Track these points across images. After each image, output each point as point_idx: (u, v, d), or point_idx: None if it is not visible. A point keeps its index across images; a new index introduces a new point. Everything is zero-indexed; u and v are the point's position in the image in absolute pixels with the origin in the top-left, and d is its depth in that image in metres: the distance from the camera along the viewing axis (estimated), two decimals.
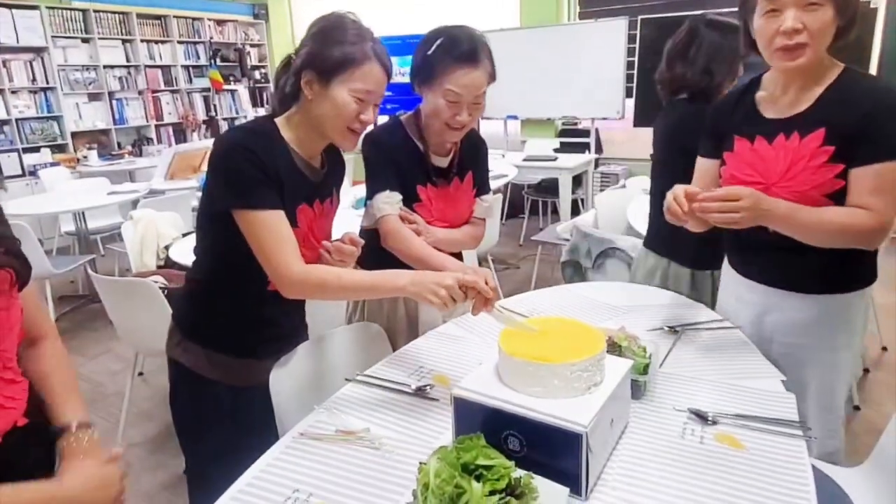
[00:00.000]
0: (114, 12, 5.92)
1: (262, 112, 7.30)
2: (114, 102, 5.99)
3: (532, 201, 5.44)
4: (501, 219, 4.50)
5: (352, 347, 1.49)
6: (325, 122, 1.22)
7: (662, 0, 5.23)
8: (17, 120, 5.29)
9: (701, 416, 1.10)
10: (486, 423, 0.96)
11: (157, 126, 6.37)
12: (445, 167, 1.58)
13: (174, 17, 6.41)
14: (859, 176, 1.20)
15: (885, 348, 2.93)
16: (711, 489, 0.92)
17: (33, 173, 5.24)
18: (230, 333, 1.30)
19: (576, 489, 0.90)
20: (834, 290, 1.33)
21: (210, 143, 5.48)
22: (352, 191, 3.26)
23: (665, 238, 1.85)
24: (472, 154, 1.64)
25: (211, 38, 6.81)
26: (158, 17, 6.34)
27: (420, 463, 0.89)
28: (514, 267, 4.56)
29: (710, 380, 1.24)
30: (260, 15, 7.41)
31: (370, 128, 1.36)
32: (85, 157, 5.54)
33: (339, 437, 1.11)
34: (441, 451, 0.88)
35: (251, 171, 1.14)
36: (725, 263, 1.55)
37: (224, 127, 6.98)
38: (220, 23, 6.97)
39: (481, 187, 1.67)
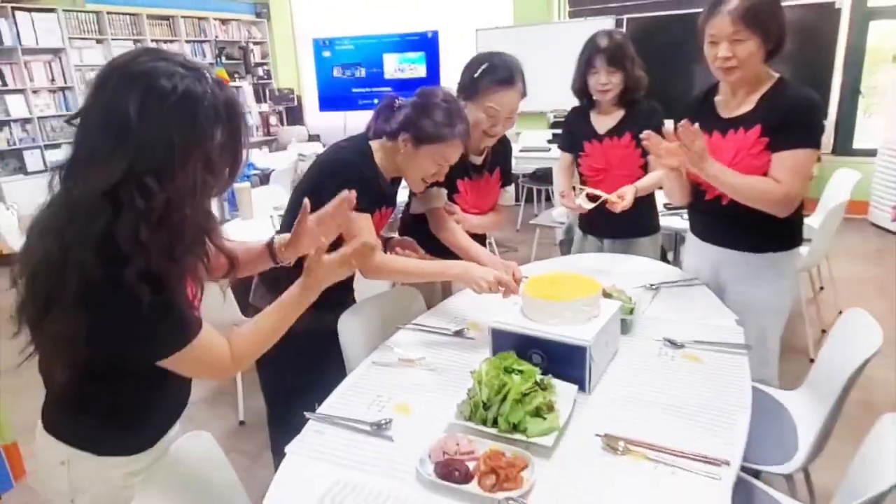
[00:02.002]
0: (125, 13, 6.18)
1: (265, 107, 7.58)
2: None
3: (528, 189, 5.80)
4: None
5: (396, 305, 1.84)
6: (408, 171, 1.60)
7: (647, 0, 5.59)
8: (38, 118, 5.56)
9: (672, 343, 1.48)
10: (516, 346, 1.33)
11: None
12: (480, 164, 1.95)
13: (181, 17, 6.68)
14: (778, 158, 1.61)
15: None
16: (678, 389, 1.30)
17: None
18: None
19: (582, 387, 1.27)
20: (768, 249, 1.73)
21: None
22: None
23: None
24: (502, 153, 2.01)
25: (216, 36, 7.08)
26: (167, 18, 6.60)
27: (471, 371, 1.25)
28: (512, 250, 4.93)
29: (681, 319, 1.62)
30: (262, 14, 7.68)
31: None
32: None
33: (403, 364, 1.47)
34: (487, 360, 1.24)
35: (354, 184, 1.49)
36: (689, 229, 1.94)
37: None
38: (224, 22, 7.24)
39: (505, 180, 2.04)
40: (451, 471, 1.04)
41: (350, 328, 1.64)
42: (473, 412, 1.17)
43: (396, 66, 6.77)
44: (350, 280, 1.80)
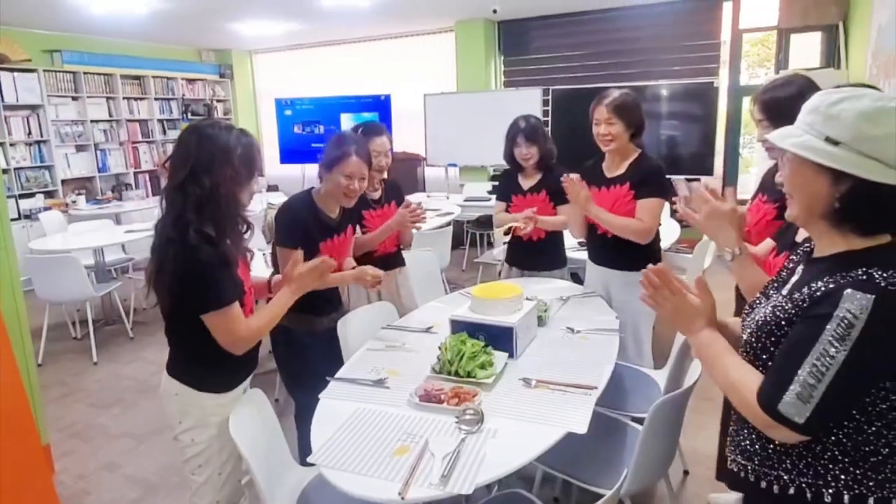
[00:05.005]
0: (100, 73, 6.68)
1: None
2: (98, 153, 6.68)
3: (471, 234, 6.57)
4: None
5: (377, 314, 2.47)
6: (331, 190, 2.22)
7: (568, 75, 6.65)
8: (14, 169, 5.91)
9: (571, 330, 2.19)
10: (468, 330, 1.99)
11: (135, 173, 7.08)
12: (378, 198, 2.72)
13: (151, 76, 7.23)
14: (639, 204, 2.41)
15: None
16: (572, 354, 2.00)
17: (28, 217, 5.86)
18: (310, 302, 2.23)
19: (511, 354, 1.95)
20: (637, 269, 2.43)
21: None
22: None
23: None
24: (394, 190, 2.81)
25: (183, 94, 7.64)
26: (138, 78, 7.14)
27: (439, 346, 1.90)
28: (459, 286, 5.62)
29: (580, 317, 2.33)
30: (225, 74, 8.32)
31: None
32: (74, 201, 6.18)
33: (390, 349, 2.10)
34: (449, 337, 1.91)
35: (297, 219, 2.14)
36: (587, 256, 2.70)
37: None
38: (190, 81, 7.82)
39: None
40: (430, 398, 1.68)
41: (346, 329, 2.26)
42: (442, 368, 1.82)
43: (352, 124, 7.51)
44: (331, 293, 2.40)
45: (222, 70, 8.29)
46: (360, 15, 6.10)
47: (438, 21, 6.85)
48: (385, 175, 2.80)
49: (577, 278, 3.75)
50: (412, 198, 2.94)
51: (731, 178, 6.22)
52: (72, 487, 2.71)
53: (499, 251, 4.46)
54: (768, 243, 1.79)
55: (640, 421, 2.13)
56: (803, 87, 1.76)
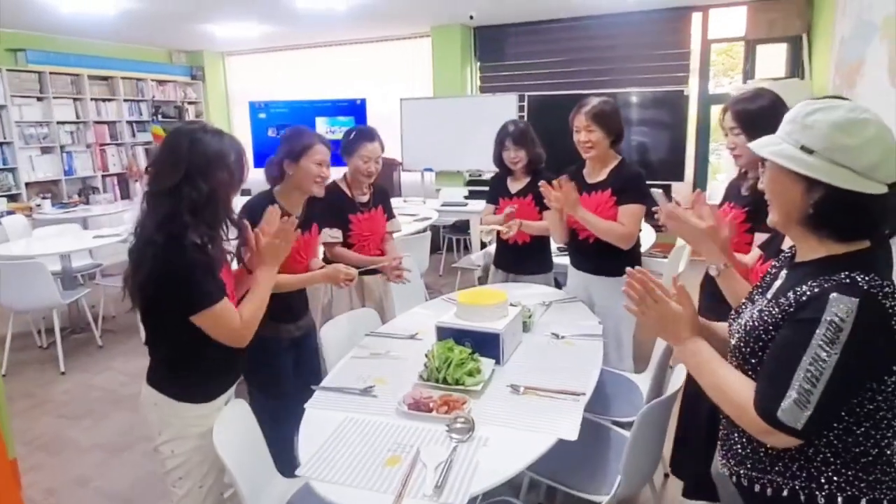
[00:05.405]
0: (66, 74, 6.49)
1: None
2: (64, 155, 6.48)
3: (448, 239, 6.57)
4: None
5: (360, 321, 2.45)
6: (302, 181, 2.20)
7: (543, 81, 6.72)
8: None
9: (556, 335, 2.20)
10: (454, 336, 1.99)
11: (103, 176, 6.88)
12: (366, 202, 2.70)
13: (121, 77, 7.05)
14: (621, 210, 2.44)
15: None
16: (557, 360, 2.01)
17: None
18: (279, 309, 2.16)
19: (498, 361, 1.95)
20: (618, 274, 2.47)
21: None
22: None
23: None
24: (382, 195, 2.80)
25: (153, 96, 7.47)
26: (106, 78, 6.95)
27: (426, 353, 1.89)
28: (437, 292, 5.62)
29: (563, 323, 2.35)
30: (197, 76, 8.17)
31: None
32: (38, 205, 5.98)
33: (375, 356, 2.08)
34: (436, 344, 1.90)
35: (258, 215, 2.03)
36: (569, 261, 2.72)
37: None
38: (161, 83, 7.65)
39: (389, 214, 2.82)
40: (419, 407, 1.67)
41: (330, 336, 2.24)
42: (430, 375, 1.81)
43: (328, 128, 7.45)
44: (296, 300, 2.33)
45: (194, 72, 8.14)
46: (336, 19, 6.06)
47: (415, 26, 6.85)
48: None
49: (556, 283, 3.79)
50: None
51: (700, 184, 6.36)
52: (40, 503, 2.61)
53: (477, 256, 4.48)
54: (756, 252, 1.84)
55: (622, 425, 2.17)
56: (774, 100, 1.86)
